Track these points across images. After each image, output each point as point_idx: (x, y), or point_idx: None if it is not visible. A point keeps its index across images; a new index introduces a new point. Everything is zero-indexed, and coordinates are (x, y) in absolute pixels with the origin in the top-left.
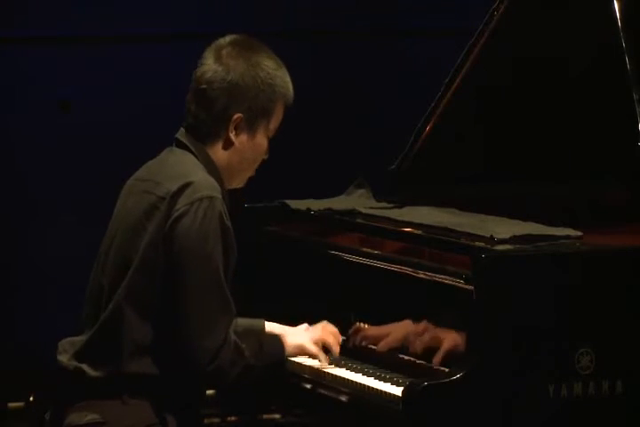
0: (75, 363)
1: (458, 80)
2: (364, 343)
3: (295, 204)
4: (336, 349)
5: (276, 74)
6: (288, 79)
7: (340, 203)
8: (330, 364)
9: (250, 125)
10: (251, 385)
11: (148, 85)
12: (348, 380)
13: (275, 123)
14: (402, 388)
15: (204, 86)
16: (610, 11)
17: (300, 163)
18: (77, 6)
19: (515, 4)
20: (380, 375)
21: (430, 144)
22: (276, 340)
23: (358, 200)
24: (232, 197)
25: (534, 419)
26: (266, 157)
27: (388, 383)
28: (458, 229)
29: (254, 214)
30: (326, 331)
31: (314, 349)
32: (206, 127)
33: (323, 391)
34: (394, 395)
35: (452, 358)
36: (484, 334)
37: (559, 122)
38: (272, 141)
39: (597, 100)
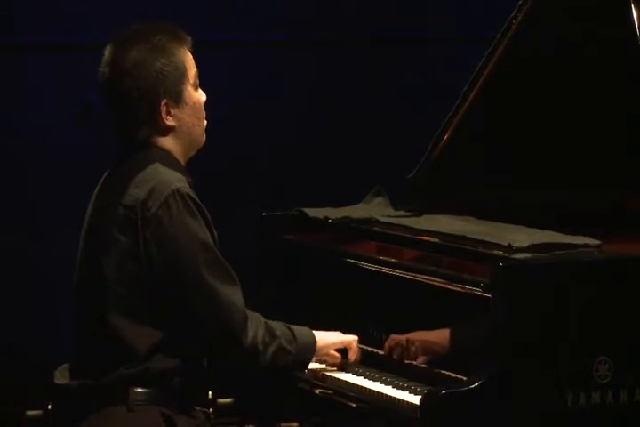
0: (76, 381)
1: (476, 89)
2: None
3: (313, 212)
4: (356, 356)
5: (166, 41)
6: (173, 30)
7: (357, 211)
8: (347, 372)
9: (177, 99)
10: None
11: None
12: (365, 388)
13: (191, 72)
14: (420, 396)
15: (120, 100)
16: (628, 17)
17: (318, 171)
18: (101, 13)
19: (533, 13)
20: (397, 384)
21: (448, 152)
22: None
23: (376, 208)
24: (250, 207)
25: None
26: (204, 99)
27: (406, 392)
28: (475, 237)
29: (272, 222)
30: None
31: (349, 338)
32: (142, 130)
33: (340, 399)
34: (412, 403)
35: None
36: (502, 343)
37: (578, 129)
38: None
39: (617, 107)
